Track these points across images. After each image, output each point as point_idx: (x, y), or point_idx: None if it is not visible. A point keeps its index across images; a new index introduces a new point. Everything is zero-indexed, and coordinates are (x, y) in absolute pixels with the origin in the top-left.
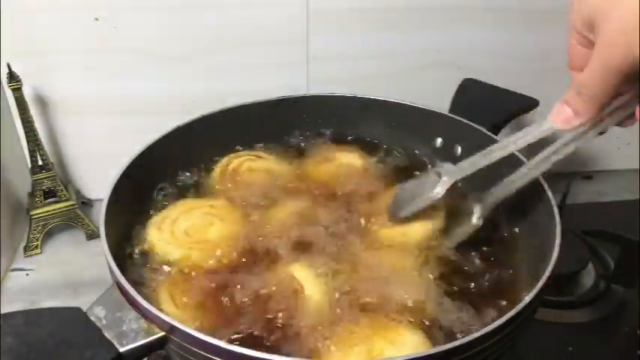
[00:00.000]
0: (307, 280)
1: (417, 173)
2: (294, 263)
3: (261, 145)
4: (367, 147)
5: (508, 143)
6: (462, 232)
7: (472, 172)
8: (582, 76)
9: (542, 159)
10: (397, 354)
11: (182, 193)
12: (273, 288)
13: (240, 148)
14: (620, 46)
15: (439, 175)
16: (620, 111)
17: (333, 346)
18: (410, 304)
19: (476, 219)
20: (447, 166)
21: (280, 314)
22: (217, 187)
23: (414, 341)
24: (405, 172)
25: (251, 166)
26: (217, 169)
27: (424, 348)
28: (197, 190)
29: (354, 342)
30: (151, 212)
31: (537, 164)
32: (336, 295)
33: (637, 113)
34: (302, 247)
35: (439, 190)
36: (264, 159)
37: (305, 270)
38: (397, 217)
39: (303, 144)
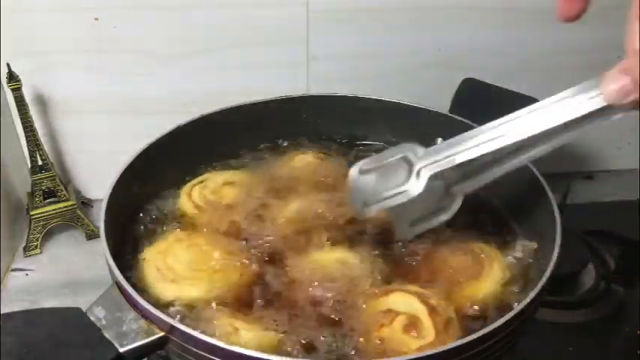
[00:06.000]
0: None
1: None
2: None
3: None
4: (366, 147)
5: (499, 132)
6: (426, 225)
7: (450, 166)
8: None
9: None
10: None
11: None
12: None
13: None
14: None
15: (410, 164)
16: None
17: None
18: None
19: (448, 215)
20: (417, 150)
21: None
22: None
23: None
24: None
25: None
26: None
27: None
28: None
29: None
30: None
31: (534, 141)
32: None
33: None
34: None
35: (417, 189)
36: (219, 177)
37: None
38: (363, 214)
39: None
